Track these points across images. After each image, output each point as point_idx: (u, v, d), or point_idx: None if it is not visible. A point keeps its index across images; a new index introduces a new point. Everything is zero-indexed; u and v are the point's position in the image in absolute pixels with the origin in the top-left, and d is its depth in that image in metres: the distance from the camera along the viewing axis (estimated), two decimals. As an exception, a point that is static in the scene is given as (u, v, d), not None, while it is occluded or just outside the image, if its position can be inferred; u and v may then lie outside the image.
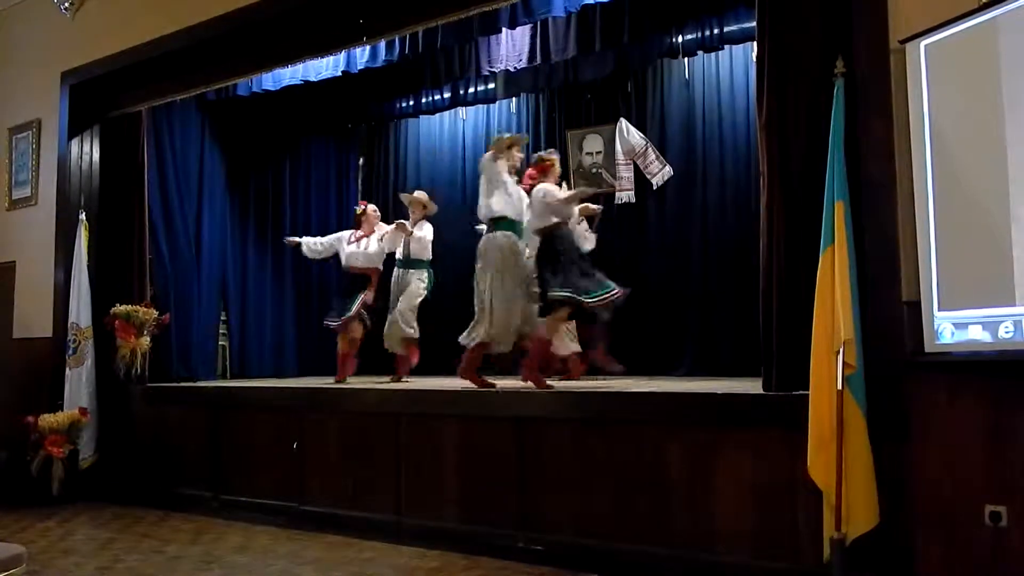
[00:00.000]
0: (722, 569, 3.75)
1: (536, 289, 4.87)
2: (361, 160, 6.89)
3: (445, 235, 6.67)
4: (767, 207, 3.94)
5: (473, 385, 4.95)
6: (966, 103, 3.20)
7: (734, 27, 6.07)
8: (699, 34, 6.24)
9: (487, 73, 6.77)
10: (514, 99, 7.66)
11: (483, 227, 5.23)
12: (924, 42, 3.32)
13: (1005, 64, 3.05)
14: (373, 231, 6.37)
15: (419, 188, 8.33)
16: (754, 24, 4.26)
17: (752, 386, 4.17)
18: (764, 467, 3.69)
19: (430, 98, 7.89)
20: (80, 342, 6.28)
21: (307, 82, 6.45)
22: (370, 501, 4.96)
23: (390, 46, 6.00)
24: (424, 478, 4.77)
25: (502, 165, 5.10)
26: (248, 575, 4.13)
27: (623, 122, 5.93)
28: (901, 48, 3.42)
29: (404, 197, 6.54)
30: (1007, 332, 3.01)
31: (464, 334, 5.04)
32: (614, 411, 4.25)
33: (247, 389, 6.11)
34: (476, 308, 5.04)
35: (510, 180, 5.11)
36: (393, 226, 6.23)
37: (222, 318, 7.57)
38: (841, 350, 3.24)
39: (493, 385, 4.96)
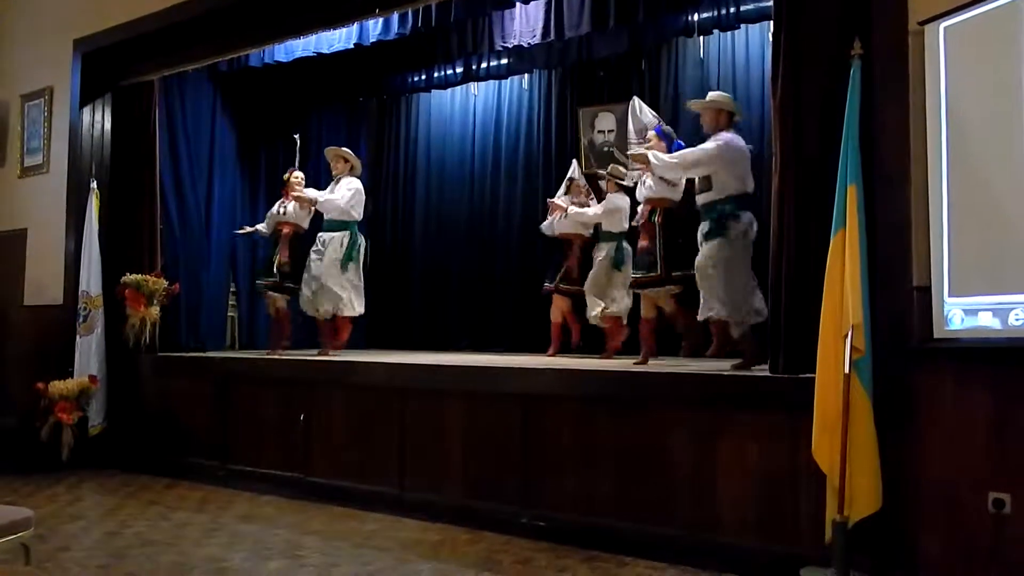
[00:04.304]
0: (724, 549, 3.76)
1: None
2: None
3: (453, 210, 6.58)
4: (779, 189, 3.93)
5: None
6: (984, 87, 3.16)
7: (750, 6, 5.99)
8: (715, 12, 6.15)
9: (500, 48, 6.70)
10: (526, 75, 7.61)
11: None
12: (943, 24, 3.28)
13: (1025, 48, 3.01)
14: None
15: (429, 162, 8.32)
16: (771, 3, 4.21)
17: (759, 368, 4.17)
18: (769, 449, 3.69)
19: (442, 72, 7.84)
20: (90, 310, 6.31)
21: (319, 54, 6.41)
22: (375, 474, 5.00)
23: (403, 19, 5.95)
24: (429, 452, 4.80)
25: None
26: (253, 543, 4.17)
27: (636, 100, 5.86)
28: (920, 30, 3.37)
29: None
30: (1017, 319, 2.99)
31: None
32: (620, 390, 4.26)
33: (255, 360, 6.14)
34: None
35: None
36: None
37: (231, 289, 7.60)
38: (849, 334, 3.23)
39: None
